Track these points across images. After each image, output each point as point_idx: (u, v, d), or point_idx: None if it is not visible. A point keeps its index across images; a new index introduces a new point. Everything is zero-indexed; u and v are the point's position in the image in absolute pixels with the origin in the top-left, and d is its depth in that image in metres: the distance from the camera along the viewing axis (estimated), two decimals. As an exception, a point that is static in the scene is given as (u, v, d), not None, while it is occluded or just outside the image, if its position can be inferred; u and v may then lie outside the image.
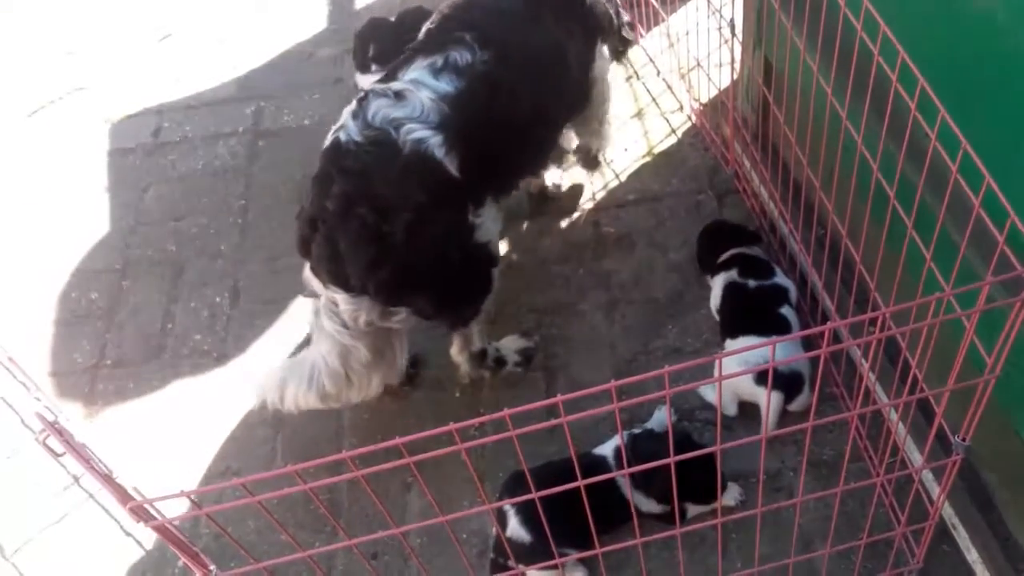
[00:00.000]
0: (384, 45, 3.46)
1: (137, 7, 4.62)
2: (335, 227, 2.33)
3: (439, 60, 2.42)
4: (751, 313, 2.79)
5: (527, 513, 2.34)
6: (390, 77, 2.47)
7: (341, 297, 2.42)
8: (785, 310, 2.77)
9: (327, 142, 2.42)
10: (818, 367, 1.66)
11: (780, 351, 2.60)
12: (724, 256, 2.93)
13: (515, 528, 2.38)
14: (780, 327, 2.71)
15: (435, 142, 2.31)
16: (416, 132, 2.29)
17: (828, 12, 2.10)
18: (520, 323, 3.07)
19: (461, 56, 2.41)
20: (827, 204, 2.30)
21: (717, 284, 2.92)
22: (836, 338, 2.70)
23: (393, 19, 3.52)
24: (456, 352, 2.84)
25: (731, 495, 2.53)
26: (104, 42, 4.47)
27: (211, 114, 4.02)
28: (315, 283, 2.51)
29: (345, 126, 2.36)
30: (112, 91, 4.20)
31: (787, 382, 2.61)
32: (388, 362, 2.66)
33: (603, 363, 2.93)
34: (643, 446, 2.49)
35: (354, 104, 2.41)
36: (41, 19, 4.65)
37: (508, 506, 2.38)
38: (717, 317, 2.93)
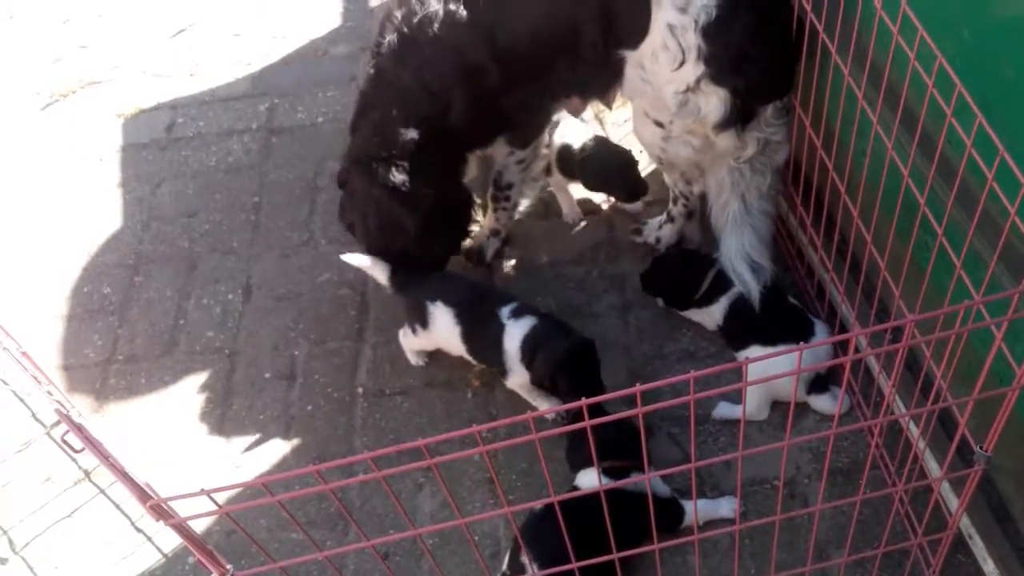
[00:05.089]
0: None
1: (151, 1, 4.62)
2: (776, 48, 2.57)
3: None
4: (774, 318, 2.77)
5: (545, 563, 2.16)
6: None
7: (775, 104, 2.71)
8: (793, 301, 2.82)
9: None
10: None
11: (811, 354, 2.60)
12: (705, 286, 2.89)
13: None
14: (804, 324, 2.72)
15: None
16: None
17: (862, 15, 2.10)
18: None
19: None
20: (852, 210, 2.29)
21: (716, 312, 2.87)
22: (855, 347, 2.68)
23: None
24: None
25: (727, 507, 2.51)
26: (118, 36, 4.46)
27: (225, 110, 4.02)
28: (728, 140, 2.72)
29: None
30: (126, 86, 4.20)
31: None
32: None
33: (617, 366, 2.91)
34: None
35: None
36: (55, 12, 4.64)
37: (525, 557, 2.28)
38: (716, 330, 2.92)
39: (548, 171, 3.28)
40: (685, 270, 2.93)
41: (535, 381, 2.70)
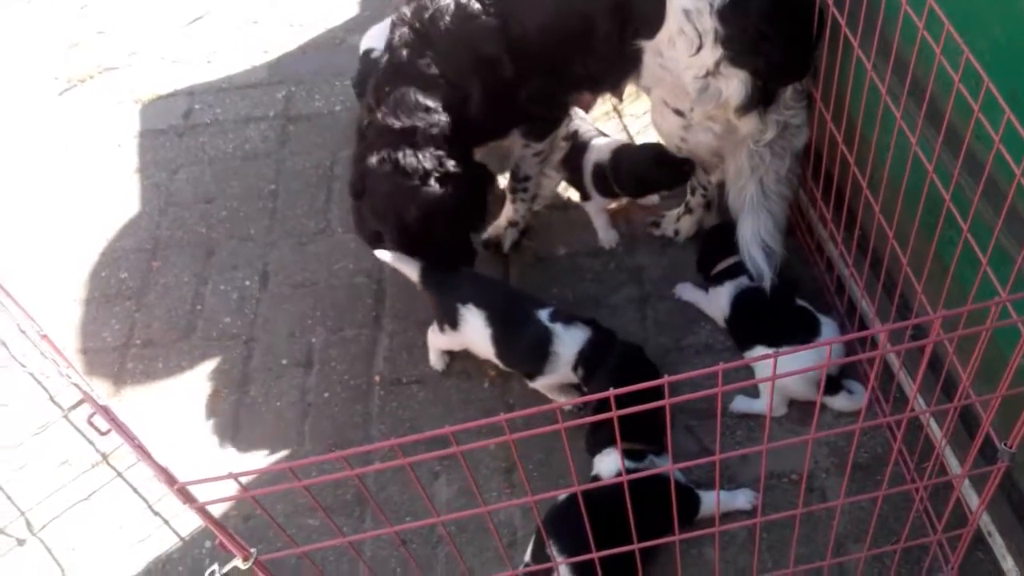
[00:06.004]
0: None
1: (169, -12, 4.62)
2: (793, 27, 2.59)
3: None
4: (781, 318, 2.76)
5: (567, 553, 2.23)
6: None
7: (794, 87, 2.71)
8: (801, 302, 2.79)
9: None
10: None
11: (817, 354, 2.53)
12: (723, 266, 2.91)
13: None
14: (811, 324, 2.69)
15: None
16: None
17: (886, 9, 2.08)
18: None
19: None
20: (874, 205, 2.28)
21: (722, 295, 2.88)
22: (875, 342, 2.67)
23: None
24: None
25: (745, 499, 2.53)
26: (136, 22, 4.47)
27: (242, 97, 4.02)
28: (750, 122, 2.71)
29: None
30: (143, 72, 4.20)
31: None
32: None
33: (635, 358, 2.91)
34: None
35: None
36: (73, -3, 4.65)
37: (552, 553, 2.29)
38: (724, 326, 2.91)
39: (563, 164, 3.26)
40: (722, 242, 2.95)
41: (592, 391, 2.65)
